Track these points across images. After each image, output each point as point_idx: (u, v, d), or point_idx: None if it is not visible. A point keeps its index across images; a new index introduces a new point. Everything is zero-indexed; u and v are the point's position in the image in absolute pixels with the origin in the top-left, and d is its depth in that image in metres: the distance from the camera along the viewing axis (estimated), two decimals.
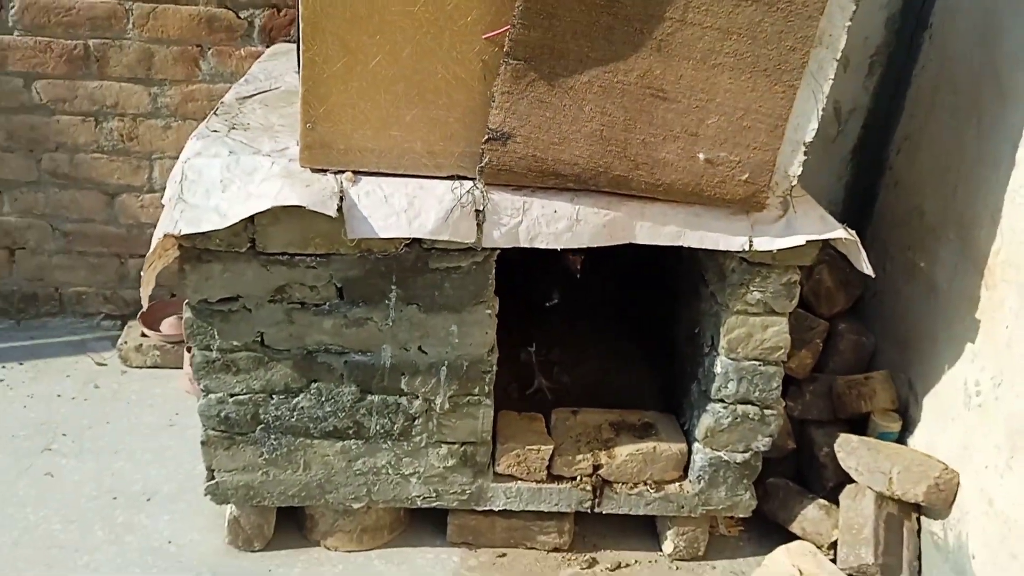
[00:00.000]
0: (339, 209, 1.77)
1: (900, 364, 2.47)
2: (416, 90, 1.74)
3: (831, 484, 2.34)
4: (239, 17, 2.94)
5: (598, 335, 2.86)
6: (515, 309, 2.26)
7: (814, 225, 1.90)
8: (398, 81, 1.73)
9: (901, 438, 2.37)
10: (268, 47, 2.95)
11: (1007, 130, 2.06)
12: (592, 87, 1.73)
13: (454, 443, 2.15)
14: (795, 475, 2.51)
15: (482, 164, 1.79)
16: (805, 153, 1.84)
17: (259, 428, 2.10)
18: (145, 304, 1.97)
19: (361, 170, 1.81)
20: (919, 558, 2.15)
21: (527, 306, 2.54)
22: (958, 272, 2.23)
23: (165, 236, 1.78)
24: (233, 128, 2.00)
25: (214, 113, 2.11)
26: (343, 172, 1.80)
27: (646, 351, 2.84)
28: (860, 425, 2.45)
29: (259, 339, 1.99)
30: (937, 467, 2.07)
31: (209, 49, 2.96)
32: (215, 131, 1.97)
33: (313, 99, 1.73)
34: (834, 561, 2.18)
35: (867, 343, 2.63)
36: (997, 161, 2.09)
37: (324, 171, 1.81)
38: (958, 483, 2.05)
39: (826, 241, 1.91)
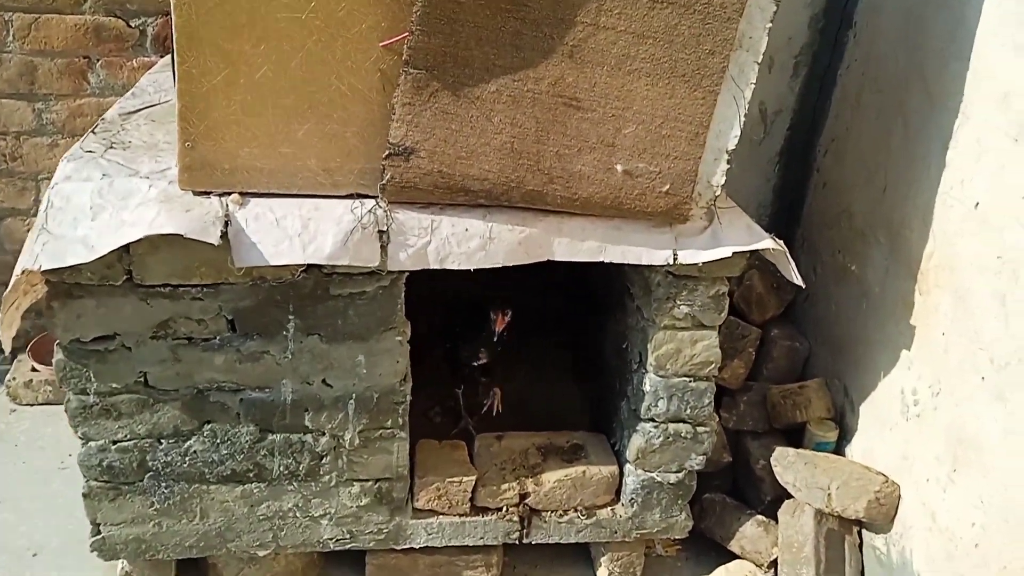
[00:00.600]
0: (224, 235, 1.59)
1: (835, 370, 2.40)
2: (308, 103, 1.58)
3: (769, 498, 2.26)
4: (130, 26, 2.72)
5: (525, 347, 2.72)
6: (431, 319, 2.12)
7: (741, 235, 1.80)
8: (287, 94, 1.56)
9: (838, 447, 2.30)
10: (162, 57, 2.74)
11: (935, 130, 1.99)
12: (500, 97, 1.58)
13: (367, 480, 1.98)
14: (732, 489, 2.43)
15: (384, 181, 1.63)
16: (728, 161, 1.74)
17: (147, 476, 1.90)
18: (7, 347, 1.76)
19: (249, 191, 1.63)
20: (862, 573, 2.07)
21: (454, 365, 2.39)
22: (890, 275, 2.16)
23: (24, 272, 1.58)
24: (111, 147, 1.80)
25: (92, 131, 1.90)
26: (229, 194, 1.62)
27: (575, 365, 2.72)
28: (797, 434, 2.37)
29: (142, 379, 1.80)
30: (877, 480, 1.99)
31: (98, 61, 2.74)
32: (90, 151, 1.77)
33: (192, 116, 1.55)
34: None
35: (801, 349, 2.56)
36: (926, 162, 2.02)
37: (208, 194, 1.62)
38: (899, 496, 1.98)
39: (754, 251, 1.81)
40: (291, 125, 1.58)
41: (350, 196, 1.67)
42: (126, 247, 1.60)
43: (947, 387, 1.87)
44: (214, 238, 1.56)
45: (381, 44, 1.55)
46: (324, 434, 1.92)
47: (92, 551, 1.99)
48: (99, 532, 1.96)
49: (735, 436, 2.44)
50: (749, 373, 2.48)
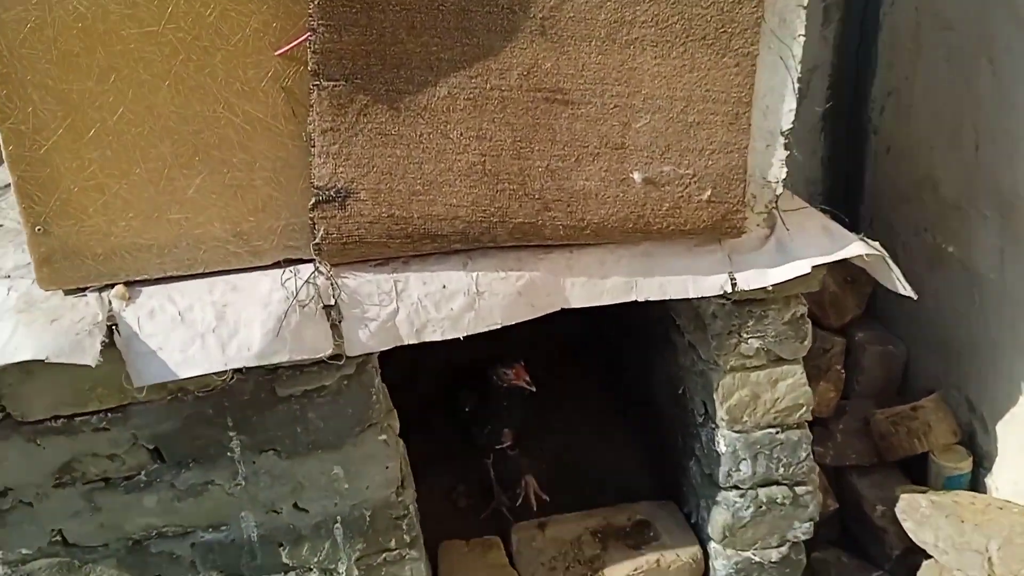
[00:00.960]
0: (111, 344, 1.15)
1: (951, 380, 1.91)
2: (192, 149, 1.15)
3: (897, 552, 1.78)
4: None
5: (559, 395, 2.25)
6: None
7: (817, 241, 1.33)
8: (161, 140, 1.13)
9: (975, 479, 1.81)
10: None
11: None
12: (456, 101, 1.13)
13: None
14: (841, 537, 1.94)
15: (317, 240, 1.19)
16: (787, 146, 1.27)
17: None
18: None
19: (137, 279, 1.20)
20: None
21: (472, 449, 1.93)
22: (1007, 259, 1.67)
23: None
24: None
25: None
26: (111, 286, 1.19)
27: (620, 412, 2.24)
28: (916, 465, 1.89)
29: (59, 539, 1.38)
30: None
31: None
32: None
33: (34, 190, 1.12)
34: None
35: (897, 353, 2.09)
36: None
37: (83, 291, 1.19)
38: None
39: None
40: (176, 182, 1.16)
41: (277, 265, 1.23)
42: None
43: None
44: (91, 357, 1.12)
45: (276, 53, 1.11)
46: (311, 570, 1.47)
47: None
48: None
49: (835, 474, 1.96)
50: (841, 393, 1.99)
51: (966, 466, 1.80)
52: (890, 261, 1.36)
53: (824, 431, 1.96)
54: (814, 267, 1.31)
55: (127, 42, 1.08)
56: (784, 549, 1.64)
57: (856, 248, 1.33)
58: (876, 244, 1.35)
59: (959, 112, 1.83)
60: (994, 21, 1.68)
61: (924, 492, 1.69)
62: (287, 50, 1.11)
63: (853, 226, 2.38)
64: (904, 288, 1.37)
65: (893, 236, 2.14)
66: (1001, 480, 1.75)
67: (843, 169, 2.35)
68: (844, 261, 1.38)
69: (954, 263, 1.88)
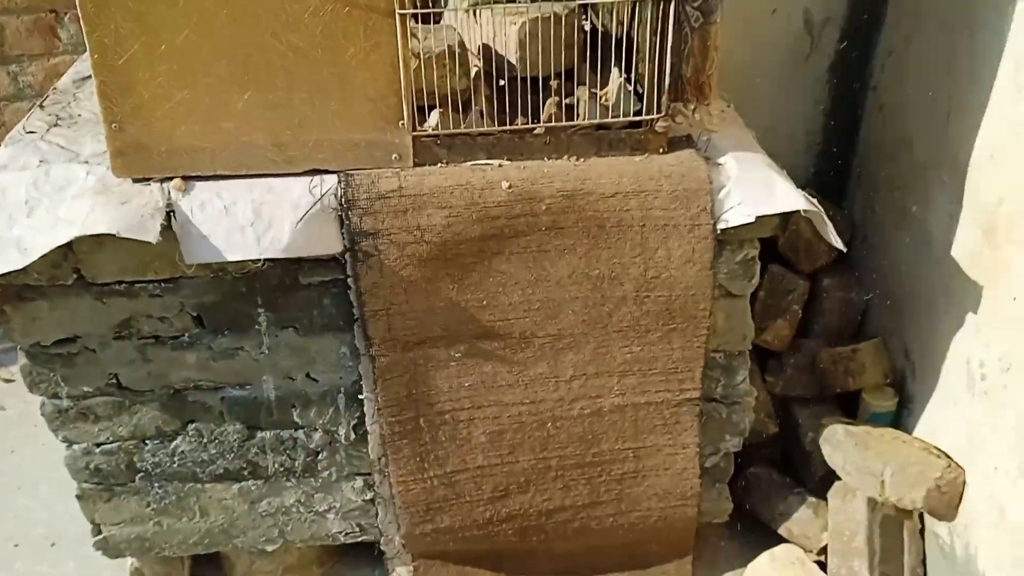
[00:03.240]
0: (169, 227, 1.41)
1: (895, 327, 2.11)
2: (243, 69, 1.37)
3: (820, 475, 2.02)
4: None
5: None
6: None
7: (760, 192, 1.53)
8: (218, 59, 1.36)
9: (901, 418, 2.03)
10: None
11: (1008, 43, 1.65)
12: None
13: (370, 473, 1.83)
14: (781, 459, 2.19)
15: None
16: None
17: (138, 477, 1.79)
18: None
19: (193, 174, 1.44)
20: (924, 563, 1.84)
21: None
22: (955, 222, 1.85)
23: None
24: (56, 124, 1.64)
25: (39, 105, 1.73)
26: (171, 179, 1.44)
27: None
28: (853, 401, 2.12)
29: (114, 382, 1.66)
30: (938, 465, 1.73)
31: (66, 14, 2.54)
32: (31, 132, 1.61)
33: (113, 93, 1.36)
34: (824, 569, 1.88)
35: (856, 300, 2.28)
36: (996, 84, 1.69)
37: (147, 180, 1.44)
38: (964, 483, 1.72)
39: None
40: (228, 95, 1.38)
41: (308, 173, 1.47)
42: (69, 245, 1.44)
43: (1019, 363, 1.58)
44: (152, 235, 1.37)
45: None
46: (317, 430, 1.76)
47: (97, 550, 1.91)
48: (100, 532, 1.86)
49: (782, 403, 2.19)
50: (799, 330, 2.21)
51: (890, 406, 2.01)
52: (824, 216, 1.56)
53: (777, 364, 2.17)
54: (758, 217, 1.52)
55: None
56: (716, 458, 1.88)
57: (794, 203, 1.53)
58: (814, 201, 1.55)
59: (939, 79, 1.94)
60: None
61: (845, 427, 1.93)
62: None
63: (843, 178, 2.56)
64: (836, 241, 1.57)
65: (874, 191, 2.31)
66: (918, 422, 1.96)
67: (841, 122, 2.45)
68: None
69: (914, 221, 2.05)
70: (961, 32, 1.86)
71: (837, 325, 2.27)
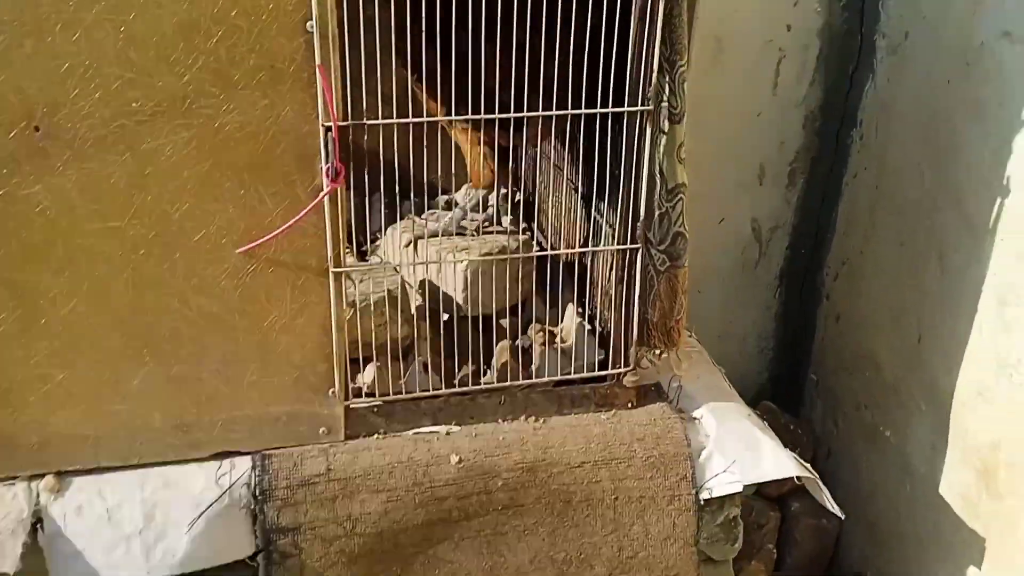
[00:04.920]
0: (35, 542, 1.12)
1: (877, 566, 1.92)
2: (142, 341, 1.14)
3: None
4: None
5: None
6: None
7: (751, 456, 1.35)
8: (111, 332, 1.13)
9: None
10: None
11: (989, 277, 1.56)
12: None
13: None
14: None
15: None
16: None
17: None
18: None
19: (70, 469, 1.18)
20: None
21: None
22: (939, 456, 1.72)
23: None
24: None
25: None
26: (42, 476, 1.17)
27: None
28: None
29: None
30: None
31: None
32: None
33: None
34: None
35: (830, 528, 2.10)
36: (975, 315, 1.59)
37: (12, 480, 1.17)
38: None
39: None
40: (122, 372, 1.15)
41: (216, 456, 1.22)
42: None
43: None
44: (10, 563, 1.08)
45: (239, 250, 1.12)
46: None
47: None
48: None
49: None
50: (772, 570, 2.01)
51: None
52: (820, 483, 1.39)
53: None
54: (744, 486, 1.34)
55: (87, 237, 1.08)
56: None
57: (786, 469, 1.36)
58: (807, 466, 1.39)
59: (904, 299, 1.86)
60: (943, 215, 1.71)
61: None
62: (250, 248, 1.12)
63: (799, 389, 2.44)
64: (832, 507, 1.40)
65: (835, 405, 2.18)
66: None
67: (792, 328, 2.38)
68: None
69: (889, 447, 1.91)
70: (927, 253, 1.78)
71: (810, 556, 2.08)
